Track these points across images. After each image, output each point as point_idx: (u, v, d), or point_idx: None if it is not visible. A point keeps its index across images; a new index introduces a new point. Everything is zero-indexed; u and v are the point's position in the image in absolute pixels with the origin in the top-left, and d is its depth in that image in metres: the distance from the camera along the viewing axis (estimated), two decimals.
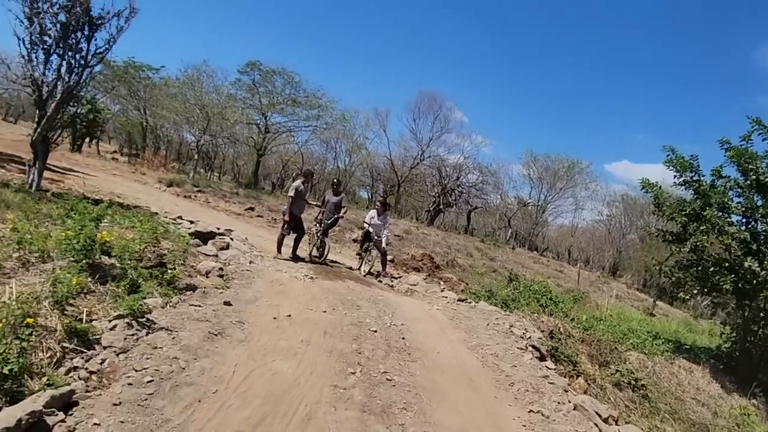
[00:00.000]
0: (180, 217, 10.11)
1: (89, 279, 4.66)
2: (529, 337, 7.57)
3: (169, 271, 5.75)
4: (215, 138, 33.43)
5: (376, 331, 6.09)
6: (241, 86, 30.84)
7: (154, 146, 40.19)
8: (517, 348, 7.00)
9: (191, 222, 9.67)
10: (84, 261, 4.87)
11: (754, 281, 9.44)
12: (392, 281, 10.39)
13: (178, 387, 3.56)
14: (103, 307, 4.54)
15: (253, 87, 30.41)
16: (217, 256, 7.33)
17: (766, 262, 9.09)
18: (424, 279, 11.99)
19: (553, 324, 8.63)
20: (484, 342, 6.98)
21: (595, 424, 5.16)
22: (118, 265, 5.21)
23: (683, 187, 10.96)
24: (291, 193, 9.68)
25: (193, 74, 29.29)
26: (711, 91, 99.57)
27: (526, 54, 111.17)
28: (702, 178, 10.67)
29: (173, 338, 4.20)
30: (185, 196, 18.42)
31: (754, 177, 9.97)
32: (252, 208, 18.97)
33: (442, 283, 12.23)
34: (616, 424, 5.63)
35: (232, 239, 8.70)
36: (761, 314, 10.14)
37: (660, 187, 11.22)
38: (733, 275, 9.74)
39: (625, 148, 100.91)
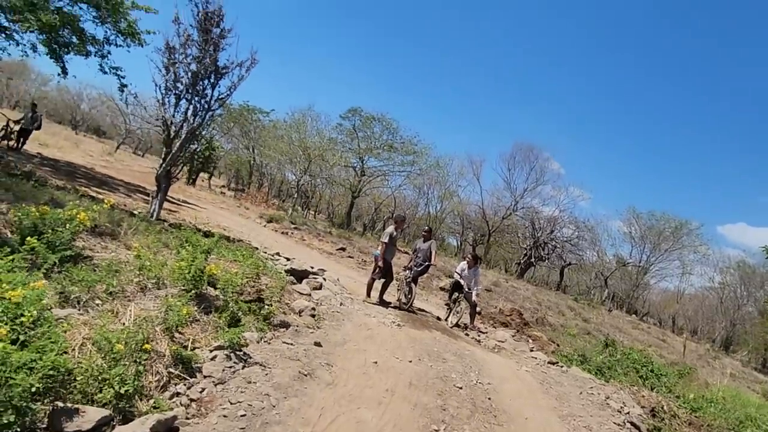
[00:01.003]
0: (278, 254, 10.64)
1: (195, 308, 5.00)
2: (628, 413, 6.96)
3: (266, 306, 6.02)
4: (314, 178, 35.12)
5: (461, 388, 5.91)
6: (342, 131, 32.46)
7: (258, 183, 43.06)
8: (614, 423, 6.45)
9: (288, 259, 10.13)
10: (193, 291, 5.25)
11: None
12: (479, 335, 10.10)
13: (268, 425, 3.66)
14: (205, 337, 4.83)
15: (352, 132, 31.84)
16: (310, 295, 7.58)
17: None
18: (512, 336, 11.52)
19: (655, 400, 7.89)
20: (576, 412, 6.51)
21: None
22: (221, 297, 5.56)
23: None
24: (385, 239, 9.87)
25: (299, 118, 31.37)
26: None
27: (631, 106, 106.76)
28: None
29: (266, 374, 4.36)
30: (282, 233, 19.36)
31: None
32: (344, 249, 19.48)
33: (531, 341, 11.68)
34: None
35: (324, 279, 8.97)
36: None
37: None
38: None
39: (742, 210, 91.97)
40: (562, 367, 8.94)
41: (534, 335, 13.27)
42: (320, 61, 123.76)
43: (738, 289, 42.39)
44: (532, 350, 10.01)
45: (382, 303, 9.68)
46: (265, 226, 20.00)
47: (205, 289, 5.56)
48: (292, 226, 21.75)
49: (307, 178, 32.93)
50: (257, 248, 10.42)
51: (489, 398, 5.91)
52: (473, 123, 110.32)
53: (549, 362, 8.99)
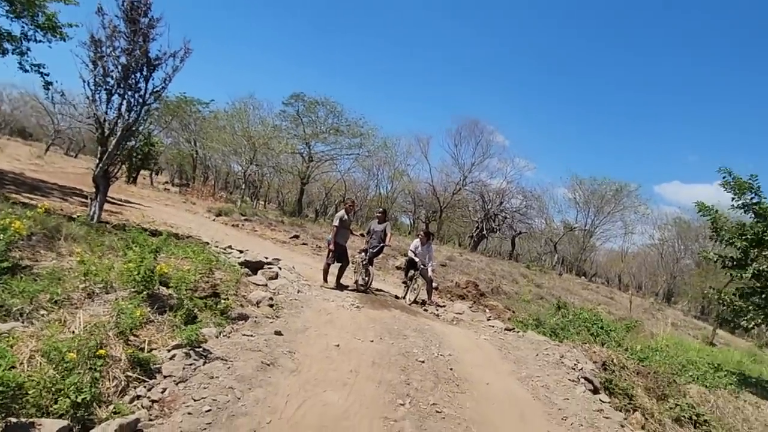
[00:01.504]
0: (230, 247, 10.43)
1: (149, 309, 4.88)
2: (581, 369, 7.34)
3: (223, 301, 5.94)
4: (261, 167, 34.47)
5: (423, 362, 6.06)
6: (286, 117, 31.86)
7: (203, 176, 41.82)
8: (569, 380, 6.80)
9: (241, 251, 9.95)
10: (144, 292, 5.11)
11: None
12: (438, 310, 10.33)
13: (234, 417, 3.66)
14: (162, 337, 4.73)
15: (297, 118, 31.34)
16: (266, 285, 7.52)
17: None
18: (470, 307, 11.84)
19: (605, 355, 8.35)
20: (534, 373, 6.82)
21: None
22: (175, 295, 5.44)
23: (742, 210, 10.51)
24: (335, 222, 9.86)
25: (240, 107, 30.53)
26: (763, 107, 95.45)
27: (567, 75, 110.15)
28: (763, 200, 10.22)
29: (228, 368, 4.33)
30: (233, 225, 18.97)
31: None
32: (297, 236, 19.31)
33: (487, 311, 12.05)
34: None
35: (280, 268, 8.90)
36: None
37: (717, 210, 10.81)
38: None
39: (675, 168, 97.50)
40: (518, 332, 9.28)
41: (490, 305, 13.68)
42: (260, 47, 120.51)
43: (676, 244, 45.09)
44: (489, 319, 10.33)
45: (340, 287, 9.72)
46: (214, 220, 19.52)
47: (158, 289, 5.42)
48: (243, 217, 21.32)
49: (254, 167, 32.27)
50: (208, 243, 10.18)
51: (451, 369, 6.10)
52: (418, 101, 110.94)
53: (506, 329, 9.31)
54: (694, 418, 7.27)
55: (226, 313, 5.75)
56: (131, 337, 4.29)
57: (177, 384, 3.90)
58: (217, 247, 10.05)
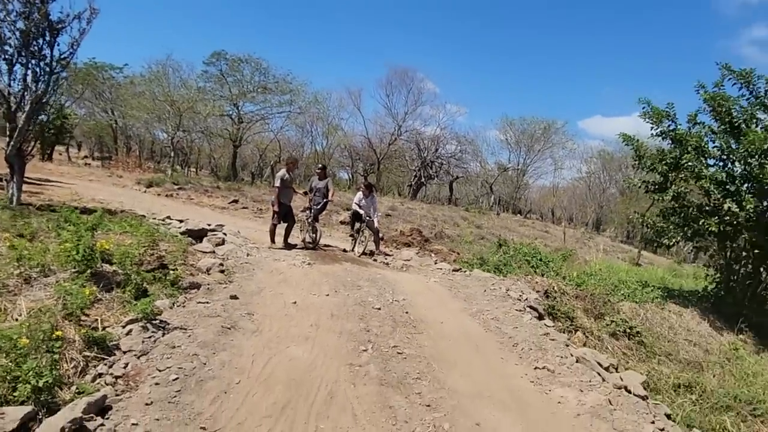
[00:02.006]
0: (168, 217, 10.10)
1: (94, 288, 4.72)
2: (526, 299, 7.82)
3: (171, 272, 5.82)
4: (189, 133, 32.97)
5: (380, 309, 6.26)
6: (210, 78, 30.36)
7: (125, 147, 39.44)
8: (516, 310, 7.24)
9: (180, 221, 9.67)
10: (87, 271, 4.92)
11: (735, 222, 9.82)
12: (386, 259, 10.57)
13: (203, 381, 3.68)
14: (113, 314, 4.62)
15: (221, 78, 29.94)
16: (214, 252, 7.40)
17: (744, 203, 9.44)
18: (417, 253, 12.18)
19: (546, 284, 8.91)
20: (483, 308, 7.21)
21: (598, 373, 5.43)
22: (120, 271, 5.27)
23: (661, 138, 11.23)
24: (277, 183, 9.72)
25: (159, 70, 28.70)
26: (671, 39, 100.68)
27: (491, 22, 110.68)
28: (679, 126, 10.96)
29: (189, 336, 4.31)
30: (167, 195, 18.27)
31: (727, 120, 10.31)
32: (236, 201, 18.90)
33: (433, 255, 12.44)
34: (617, 371, 5.92)
35: (225, 234, 8.75)
36: (743, 253, 10.57)
37: (638, 140, 11.49)
38: (715, 219, 10.12)
39: (595, 103, 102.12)
40: (465, 272, 9.69)
41: (435, 249, 14.12)
42: (174, 4, 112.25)
43: (601, 175, 47.82)
44: (436, 263, 10.69)
45: (288, 246, 9.70)
46: (145, 191, 18.68)
47: (101, 267, 5.24)
48: (176, 186, 20.52)
49: (181, 134, 30.81)
50: (144, 216, 9.81)
51: (406, 312, 6.34)
52: (346, 52, 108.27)
53: (453, 270, 9.70)
54: (628, 330, 7.99)
55: (177, 283, 5.65)
56: (82, 318, 4.16)
57: (139, 357, 3.85)
58: (154, 219, 9.71)
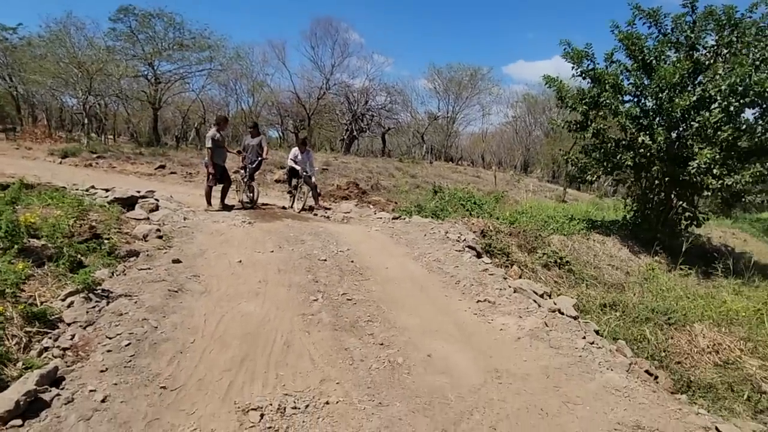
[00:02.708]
0: (92, 187, 9.56)
1: (28, 263, 4.49)
2: (464, 240, 8.17)
3: (106, 241, 5.60)
4: (102, 97, 30.66)
5: (325, 260, 6.36)
6: (119, 36, 27.99)
7: (31, 117, 36.23)
8: (456, 251, 7.57)
9: (106, 190, 9.19)
10: (14, 247, 4.66)
11: (648, 154, 10.58)
12: (326, 213, 10.61)
13: (157, 344, 3.68)
14: (49, 289, 4.43)
15: (132, 35, 27.72)
16: (149, 218, 7.16)
17: (656, 136, 10.15)
18: (356, 205, 12.30)
19: (482, 224, 9.32)
20: (425, 251, 7.48)
21: (534, 301, 5.86)
22: (50, 245, 5.02)
23: (581, 78, 11.73)
24: (208, 144, 9.38)
25: (59, 29, 26.14)
26: None
27: None
28: (597, 66, 11.47)
29: (135, 302, 4.24)
30: (86, 165, 17.15)
31: (640, 58, 10.91)
32: (163, 166, 18.08)
33: (372, 206, 12.61)
34: (551, 298, 6.41)
35: (157, 200, 8.43)
36: (656, 183, 11.44)
37: (561, 81, 11.94)
38: (631, 152, 10.84)
39: (518, 48, 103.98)
40: (404, 219, 9.93)
41: (373, 200, 14.30)
42: None
43: (527, 118, 49.33)
44: (375, 213, 10.86)
45: (226, 207, 9.52)
46: (61, 162, 17.43)
47: (28, 242, 4.96)
48: (94, 155, 19.27)
49: (93, 98, 28.60)
50: (65, 188, 9.23)
51: (352, 261, 6.49)
52: (266, 2, 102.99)
53: (393, 218, 9.91)
54: (558, 261, 8.58)
55: (114, 252, 5.45)
56: (18, 294, 3.97)
57: (85, 328, 3.76)
58: (77, 190, 9.17)
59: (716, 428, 3.45)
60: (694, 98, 9.97)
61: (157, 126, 32.24)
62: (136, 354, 3.50)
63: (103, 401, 2.93)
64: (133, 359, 3.44)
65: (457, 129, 49.95)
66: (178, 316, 4.16)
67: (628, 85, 11.25)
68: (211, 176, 9.34)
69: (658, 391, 4.09)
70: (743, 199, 11.54)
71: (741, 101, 9.74)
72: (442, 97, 46.32)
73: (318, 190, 11.66)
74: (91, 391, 3.00)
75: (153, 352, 3.58)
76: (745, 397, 4.64)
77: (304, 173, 10.59)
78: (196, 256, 5.89)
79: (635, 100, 11.43)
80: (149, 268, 5.14)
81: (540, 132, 47.42)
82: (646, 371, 4.49)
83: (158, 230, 6.50)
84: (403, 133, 48.99)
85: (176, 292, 4.64)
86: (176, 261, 5.49)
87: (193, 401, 3.11)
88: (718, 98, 9.79)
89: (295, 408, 3.16)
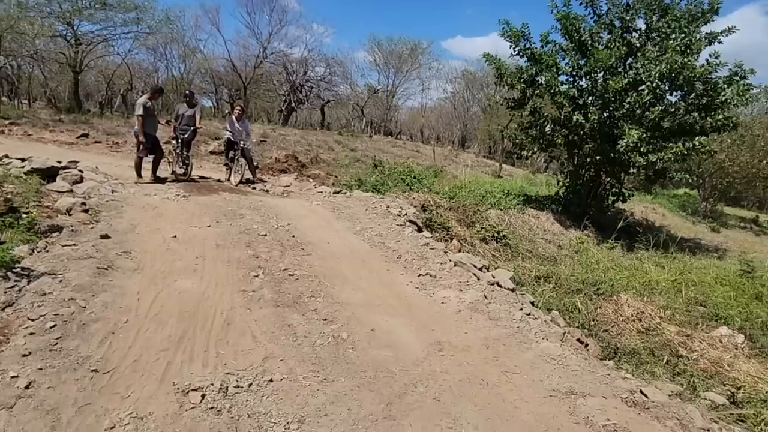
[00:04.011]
0: (6, 156, 8.79)
1: None
2: (405, 214, 8.23)
3: (24, 215, 5.18)
4: (14, 58, 28.09)
5: (266, 235, 6.21)
6: None
7: None
8: (397, 225, 7.62)
9: (22, 159, 8.48)
10: None
11: (581, 132, 11.02)
12: (265, 186, 10.34)
13: (86, 325, 3.46)
14: None
15: None
16: (72, 191, 6.67)
17: (590, 115, 10.57)
18: (295, 179, 12.08)
19: (422, 199, 9.42)
20: (366, 226, 7.47)
21: (474, 274, 6.01)
22: None
23: (519, 56, 11.96)
24: (139, 111, 8.79)
25: None
26: None
27: None
28: (533, 45, 11.73)
29: (60, 281, 3.95)
30: None
31: (576, 38, 11.24)
32: (86, 135, 16.89)
33: (312, 180, 12.43)
34: (489, 271, 6.60)
35: (81, 171, 7.87)
36: (587, 160, 11.97)
37: (500, 59, 12.12)
38: (565, 130, 11.25)
39: (457, 23, 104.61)
40: (345, 193, 9.86)
41: (313, 174, 14.10)
42: None
43: (465, 94, 49.97)
44: (316, 186, 10.71)
45: (158, 180, 9.05)
46: None
47: None
48: (7, 121, 17.69)
49: (2, 59, 26.14)
50: None
51: (293, 236, 6.38)
52: None
53: (334, 192, 9.82)
54: (495, 235, 8.85)
55: (34, 227, 5.05)
56: None
57: (3, 309, 3.47)
58: None
59: (640, 391, 3.69)
60: (626, 81, 10.43)
61: (79, 91, 29.95)
62: (63, 336, 3.28)
63: (27, 387, 2.73)
64: (60, 342, 3.21)
65: (397, 103, 49.99)
66: (109, 295, 3.93)
67: (565, 65, 11.61)
68: (141, 146, 8.82)
69: (589, 358, 4.33)
70: (666, 177, 12.33)
71: (670, 85, 10.32)
72: (382, 70, 46.06)
73: (255, 164, 11.32)
74: (12, 377, 2.78)
75: (82, 333, 3.36)
76: (665, 360, 5.01)
77: (240, 142, 10.20)
78: (127, 231, 5.57)
79: (571, 79, 11.82)
80: (75, 245, 4.81)
81: (478, 108, 48.29)
82: (578, 339, 4.75)
83: (83, 204, 6.08)
84: (343, 105, 48.38)
85: (106, 269, 4.37)
86: (105, 236, 5.16)
87: (128, 384, 2.96)
88: (648, 81, 10.30)
89: (237, 387, 3.08)
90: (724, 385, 4.50)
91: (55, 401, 2.69)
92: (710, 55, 10.71)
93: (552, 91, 11.07)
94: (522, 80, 11.59)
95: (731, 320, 5.98)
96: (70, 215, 5.78)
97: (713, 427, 3.39)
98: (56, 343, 3.19)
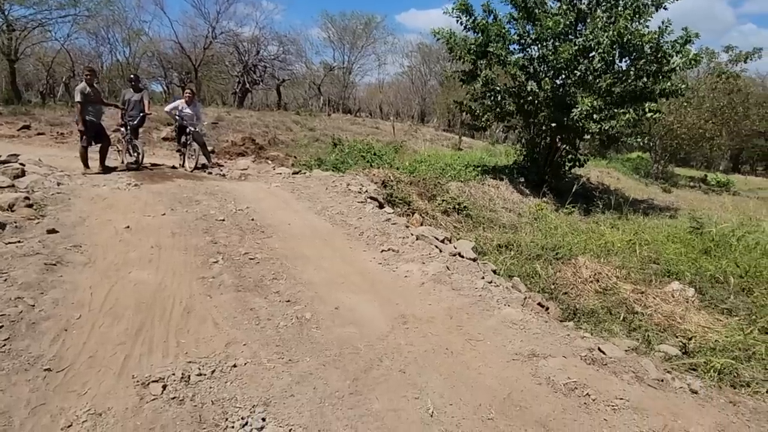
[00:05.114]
0: None
1: None
2: (366, 191, 8.20)
3: None
4: None
5: (223, 220, 6.08)
6: None
7: None
8: (358, 203, 7.59)
9: None
10: None
11: (536, 101, 11.15)
12: (222, 170, 10.10)
13: (36, 324, 3.32)
14: None
15: None
16: (14, 186, 6.34)
17: (542, 83, 10.69)
18: (253, 161, 11.86)
19: (383, 175, 9.39)
20: (327, 205, 7.41)
21: (436, 247, 6.06)
22: None
23: (467, 31, 11.93)
24: (77, 98, 8.38)
25: None
26: None
27: None
28: (478, 17, 11.68)
29: (5, 280, 3.76)
30: None
31: (523, 6, 11.27)
32: (27, 127, 16.04)
33: (270, 162, 12.23)
34: (451, 243, 6.66)
35: (23, 165, 7.48)
36: (543, 128, 12.16)
37: (452, 32, 12.06)
38: (519, 99, 11.36)
39: None
40: (305, 173, 9.74)
41: (271, 156, 13.87)
42: None
43: (422, 68, 49.79)
44: (274, 168, 10.55)
45: (106, 170, 8.70)
46: None
47: None
48: None
49: None
50: None
51: (252, 219, 6.27)
52: None
53: (293, 173, 9.68)
54: (456, 206, 8.94)
55: None
56: None
57: None
58: None
59: (599, 348, 3.83)
60: (576, 48, 10.57)
61: (16, 81, 28.37)
62: (12, 337, 3.13)
63: None
64: (8, 343, 3.07)
65: (354, 80, 49.42)
66: (58, 291, 3.77)
67: (514, 34, 11.65)
68: (83, 135, 8.43)
69: (549, 321, 4.44)
70: (618, 141, 12.66)
71: (620, 51, 10.51)
72: (337, 46, 45.39)
73: (210, 148, 11.03)
74: None
75: (32, 332, 3.22)
76: (621, 318, 5.20)
77: (192, 128, 9.88)
78: (76, 224, 5.35)
79: (520, 48, 11.89)
80: (19, 241, 4.58)
81: (435, 82, 48.22)
82: (539, 303, 4.87)
83: (27, 198, 5.79)
84: (299, 85, 47.45)
85: (54, 265, 4.19)
86: (52, 231, 4.94)
87: (85, 381, 2.86)
88: (599, 49, 10.46)
89: (200, 375, 3.03)
90: (677, 337, 4.71)
91: (5, 404, 2.58)
92: (662, 22, 10.96)
93: (504, 61, 11.12)
94: (471, 52, 11.58)
95: (682, 275, 6.23)
96: (12, 211, 5.50)
97: (667, 377, 3.55)
98: (4, 345, 3.04)
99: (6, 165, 7.34)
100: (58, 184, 6.91)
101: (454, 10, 11.61)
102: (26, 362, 2.93)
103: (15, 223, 5.11)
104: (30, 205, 5.71)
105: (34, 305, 3.52)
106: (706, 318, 5.07)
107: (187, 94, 10.20)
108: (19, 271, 3.94)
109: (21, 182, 6.60)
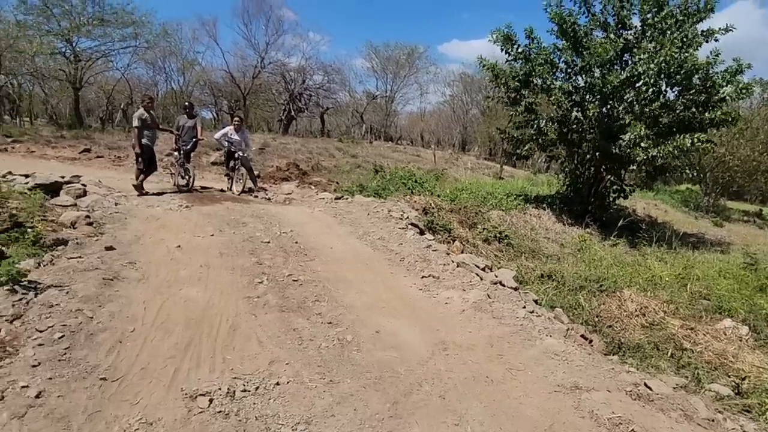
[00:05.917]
0: (9, 173, 8.88)
1: None
2: (407, 217, 8.27)
3: (30, 230, 5.23)
4: (15, 77, 28.32)
5: (269, 242, 6.25)
6: (30, 10, 25.71)
7: None
8: (399, 228, 7.66)
9: (26, 176, 8.56)
10: None
11: (580, 129, 11.05)
12: (267, 194, 10.40)
13: (94, 335, 3.50)
14: None
15: (45, 9, 25.58)
16: (76, 204, 6.73)
17: (588, 111, 10.60)
18: (297, 186, 12.15)
19: (424, 202, 9.45)
20: (369, 230, 7.51)
21: (476, 274, 6.03)
22: None
23: (514, 61, 11.99)
24: (135, 123, 8.89)
25: None
26: None
27: None
28: (521, 45, 11.73)
29: (67, 293, 4.00)
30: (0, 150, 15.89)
31: (571, 36, 11.28)
32: (88, 150, 17.01)
33: (314, 187, 12.49)
34: (492, 271, 6.62)
35: (84, 185, 7.94)
36: (587, 157, 11.99)
37: (496, 62, 12.16)
38: (563, 127, 11.28)
39: (453, 27, 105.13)
40: (347, 199, 9.91)
41: (314, 181, 14.15)
42: None
43: (463, 97, 50.10)
44: (317, 193, 10.78)
45: (139, 188, 8.88)
46: None
47: None
48: (9, 140, 17.83)
49: (3, 77, 26.35)
50: None
51: (296, 242, 6.41)
52: None
53: (335, 198, 9.86)
54: (498, 235, 8.87)
55: (39, 241, 5.10)
56: None
57: (12, 322, 3.52)
58: None
59: (645, 384, 3.71)
60: (624, 76, 10.47)
61: (79, 107, 30.17)
62: (72, 346, 3.32)
63: (37, 397, 2.77)
64: (68, 352, 3.26)
65: (396, 108, 50.09)
66: (115, 305, 3.97)
67: (561, 63, 11.65)
68: (139, 158, 8.88)
69: (593, 354, 4.34)
70: (666, 172, 12.34)
71: (667, 81, 10.35)
72: (380, 76, 46.19)
73: (257, 172, 11.39)
74: (23, 387, 2.82)
75: (90, 343, 3.40)
76: (669, 354, 5.02)
77: (241, 153, 10.28)
78: (132, 242, 5.62)
79: (566, 77, 11.85)
80: (80, 257, 4.86)
81: (477, 110, 48.35)
82: (582, 336, 4.76)
83: (87, 216, 6.14)
84: (342, 112, 48.50)
85: (111, 280, 4.42)
86: (110, 248, 5.21)
87: (137, 391, 3.00)
88: (645, 78, 10.32)
89: (245, 391, 3.11)
90: (729, 377, 4.51)
91: (65, 409, 2.73)
92: (711, 52, 10.78)
93: (548, 88, 11.11)
94: (516, 79, 11.62)
95: (735, 312, 5.98)
96: (74, 228, 5.83)
97: (718, 418, 3.41)
98: (65, 353, 3.23)
99: (69, 185, 7.81)
100: (116, 204, 7.29)
101: (497, 38, 11.72)
102: (84, 371, 3.09)
103: (77, 239, 5.42)
104: (90, 223, 6.04)
105: (92, 317, 3.72)
106: (761, 358, 4.83)
107: (236, 121, 10.66)
108: (79, 285, 4.18)
109: (82, 201, 7.00)
